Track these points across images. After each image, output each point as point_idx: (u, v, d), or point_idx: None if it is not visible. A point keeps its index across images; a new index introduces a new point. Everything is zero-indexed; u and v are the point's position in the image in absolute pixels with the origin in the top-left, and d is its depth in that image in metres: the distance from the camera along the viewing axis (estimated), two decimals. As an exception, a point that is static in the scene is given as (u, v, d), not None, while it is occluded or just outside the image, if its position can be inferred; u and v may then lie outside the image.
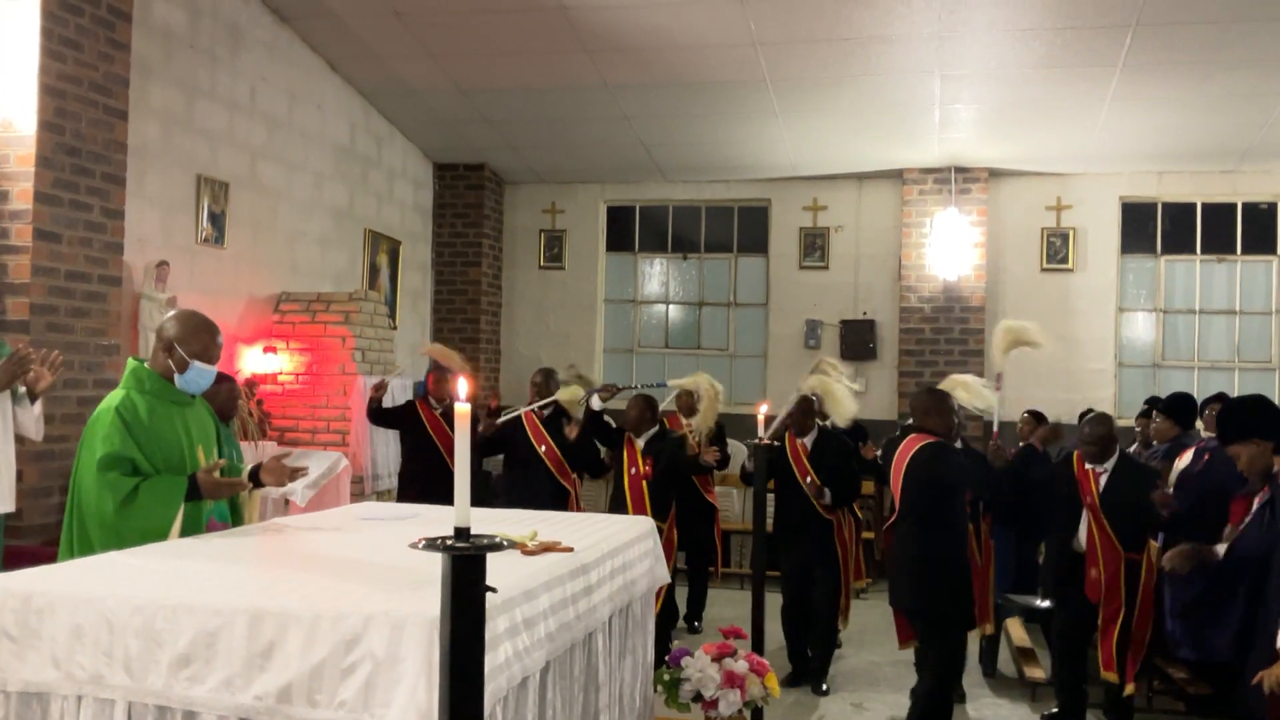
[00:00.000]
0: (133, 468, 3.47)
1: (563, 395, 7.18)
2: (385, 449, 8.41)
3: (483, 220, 11.05)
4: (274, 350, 8.08)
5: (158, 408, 3.58)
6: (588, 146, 10.37)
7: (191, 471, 3.58)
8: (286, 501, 6.75)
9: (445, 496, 6.66)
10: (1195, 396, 7.98)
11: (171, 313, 3.80)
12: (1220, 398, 6.60)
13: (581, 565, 3.27)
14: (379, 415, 7.67)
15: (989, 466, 5.65)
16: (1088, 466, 5.74)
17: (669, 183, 11.14)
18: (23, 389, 4.82)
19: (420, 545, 1.77)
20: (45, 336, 5.76)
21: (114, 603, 2.56)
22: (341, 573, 2.93)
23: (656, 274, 11.52)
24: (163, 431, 3.57)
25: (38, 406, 4.86)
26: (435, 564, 2.08)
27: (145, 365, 3.65)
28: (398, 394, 8.17)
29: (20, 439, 5.00)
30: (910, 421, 5.47)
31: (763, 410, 5.38)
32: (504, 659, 2.58)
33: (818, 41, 7.99)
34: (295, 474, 3.79)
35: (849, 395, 6.12)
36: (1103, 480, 5.72)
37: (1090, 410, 6.46)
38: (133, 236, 6.61)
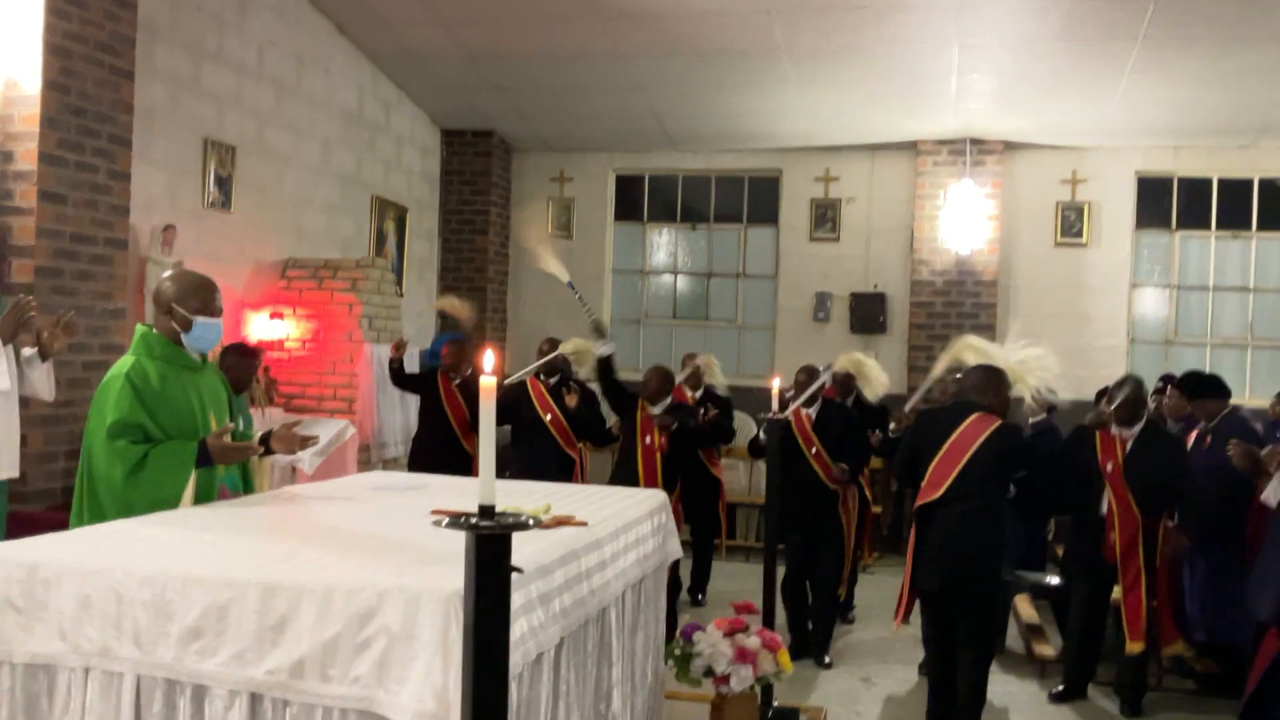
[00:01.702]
0: (144, 435, 3.42)
1: (567, 347, 7.11)
2: (392, 417, 8.36)
3: (490, 188, 10.94)
4: (280, 316, 8.01)
5: (169, 373, 3.53)
6: (597, 115, 10.25)
7: (203, 437, 3.54)
8: (294, 469, 6.70)
9: (452, 468, 6.57)
10: (1208, 373, 7.95)
11: (165, 274, 3.73)
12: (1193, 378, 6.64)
13: (595, 540, 3.22)
14: (401, 379, 7.64)
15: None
16: (1114, 431, 5.68)
17: (679, 152, 11.02)
18: (31, 350, 4.77)
19: (443, 523, 1.71)
20: (50, 300, 5.69)
21: (122, 574, 2.51)
22: (355, 545, 2.87)
23: (665, 244, 11.42)
24: (175, 397, 3.51)
25: (48, 365, 4.80)
26: (451, 537, 2.02)
27: (154, 330, 3.60)
28: (406, 363, 8.08)
29: (25, 402, 4.96)
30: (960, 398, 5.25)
31: (776, 384, 5.29)
32: (519, 635, 2.53)
33: (834, 9, 7.87)
34: (306, 442, 3.75)
35: (880, 371, 6.54)
36: (1129, 445, 5.67)
37: (1108, 386, 6.38)
38: (138, 199, 6.52)
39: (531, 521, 1.72)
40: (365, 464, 7.93)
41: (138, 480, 3.33)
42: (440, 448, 7.33)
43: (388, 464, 8.30)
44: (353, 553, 2.71)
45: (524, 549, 2.80)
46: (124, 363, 3.52)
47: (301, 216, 8.55)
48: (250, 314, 7.86)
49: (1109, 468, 5.67)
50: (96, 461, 3.39)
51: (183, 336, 3.58)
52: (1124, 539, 5.61)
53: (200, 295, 3.59)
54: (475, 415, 7.55)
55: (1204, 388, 6.40)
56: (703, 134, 10.54)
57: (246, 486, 3.88)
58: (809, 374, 6.63)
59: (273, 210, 8.15)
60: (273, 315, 7.97)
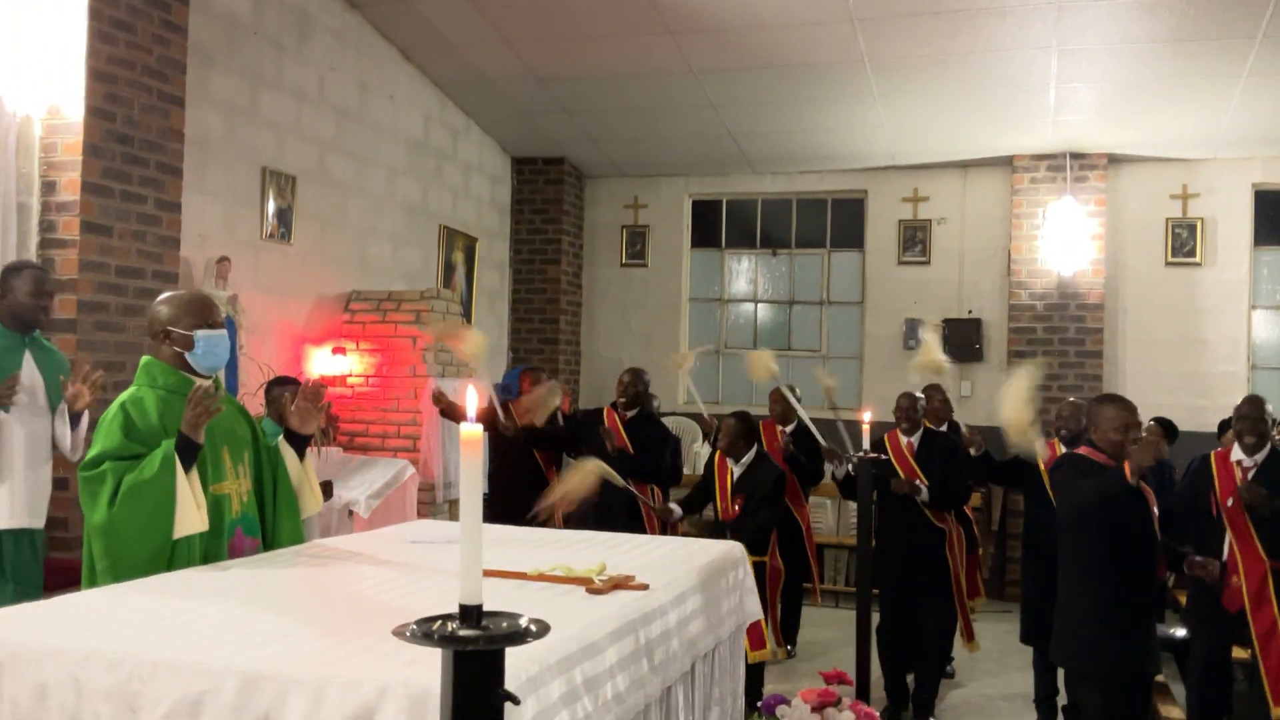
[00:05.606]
0: None
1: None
2: (459, 455, 7.95)
3: (562, 216, 10.59)
4: (343, 351, 7.70)
5: (173, 404, 3.13)
6: (671, 137, 9.84)
7: (217, 480, 3.14)
8: (350, 512, 6.34)
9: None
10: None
11: (158, 299, 3.35)
12: None
13: (659, 606, 2.74)
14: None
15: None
16: (1234, 459, 5.00)
17: (757, 174, 10.54)
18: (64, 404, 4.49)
19: (408, 634, 1.25)
20: (94, 336, 5.43)
21: (84, 657, 2.10)
22: (364, 621, 2.41)
23: (744, 271, 10.92)
24: (176, 432, 3.13)
25: (82, 422, 4.50)
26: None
27: (156, 360, 3.23)
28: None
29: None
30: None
31: (866, 417, 4.75)
32: (558, 734, 2.06)
33: (922, 15, 7.34)
34: (328, 420, 3.37)
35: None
36: (1250, 475, 4.98)
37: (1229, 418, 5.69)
38: (192, 231, 6.26)
39: (532, 629, 1.25)
40: (428, 505, 7.55)
41: (122, 505, 2.95)
42: (521, 484, 6.82)
43: (454, 505, 7.91)
44: (359, 631, 2.25)
45: (571, 622, 2.33)
46: (123, 395, 3.16)
47: (365, 248, 8.26)
48: (312, 349, 7.56)
49: (1229, 503, 4.98)
50: (83, 504, 3.02)
51: (189, 358, 3.20)
52: (1251, 586, 4.91)
53: (195, 309, 3.22)
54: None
55: None
56: (782, 155, 10.05)
57: (277, 530, 3.42)
58: (910, 400, 6.04)
59: (335, 241, 7.86)
60: (335, 350, 7.66)
